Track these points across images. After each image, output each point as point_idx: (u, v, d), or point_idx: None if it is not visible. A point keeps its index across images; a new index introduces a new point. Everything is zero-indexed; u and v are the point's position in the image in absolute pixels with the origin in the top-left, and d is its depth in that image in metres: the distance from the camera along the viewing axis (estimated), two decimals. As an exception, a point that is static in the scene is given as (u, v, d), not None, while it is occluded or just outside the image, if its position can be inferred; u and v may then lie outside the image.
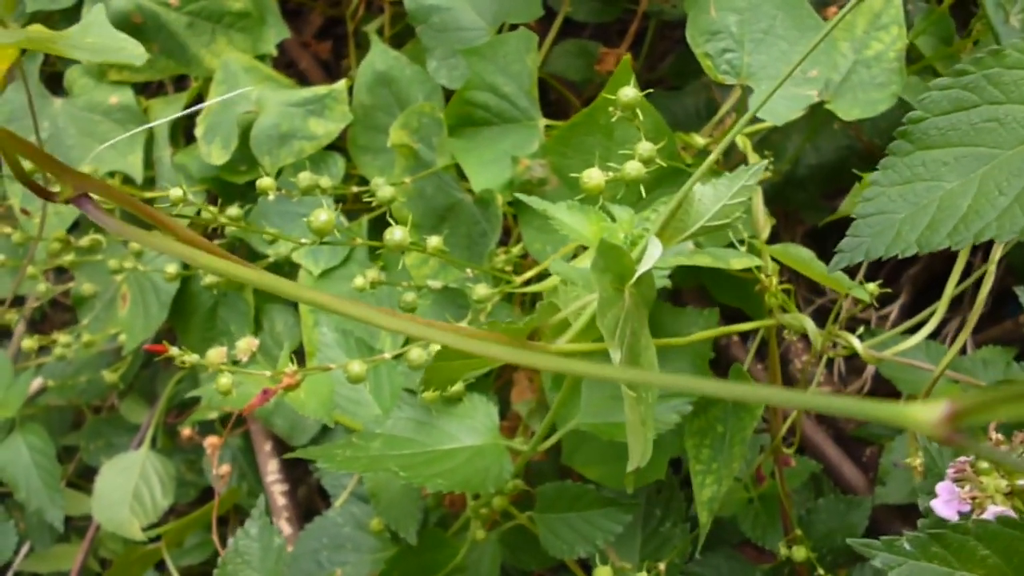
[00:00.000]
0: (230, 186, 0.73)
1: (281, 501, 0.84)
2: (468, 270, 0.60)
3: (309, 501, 0.93)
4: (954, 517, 0.43)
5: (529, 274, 0.59)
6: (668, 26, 0.91)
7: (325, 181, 0.55)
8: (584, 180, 0.42)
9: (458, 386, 0.53)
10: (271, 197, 0.52)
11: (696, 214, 0.42)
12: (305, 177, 0.54)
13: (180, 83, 0.83)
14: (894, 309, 0.78)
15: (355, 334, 0.63)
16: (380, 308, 0.29)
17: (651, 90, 0.85)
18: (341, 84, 0.70)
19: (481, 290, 0.54)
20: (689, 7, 0.63)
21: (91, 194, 0.26)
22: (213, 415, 0.79)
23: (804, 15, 0.54)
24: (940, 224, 0.40)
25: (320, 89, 0.70)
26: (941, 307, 0.50)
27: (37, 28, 0.25)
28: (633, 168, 0.42)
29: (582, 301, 0.44)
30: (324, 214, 0.46)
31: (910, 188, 0.41)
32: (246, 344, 0.52)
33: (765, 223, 0.60)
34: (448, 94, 0.71)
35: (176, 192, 0.49)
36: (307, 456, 0.53)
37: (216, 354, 0.52)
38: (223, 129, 0.70)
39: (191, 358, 0.45)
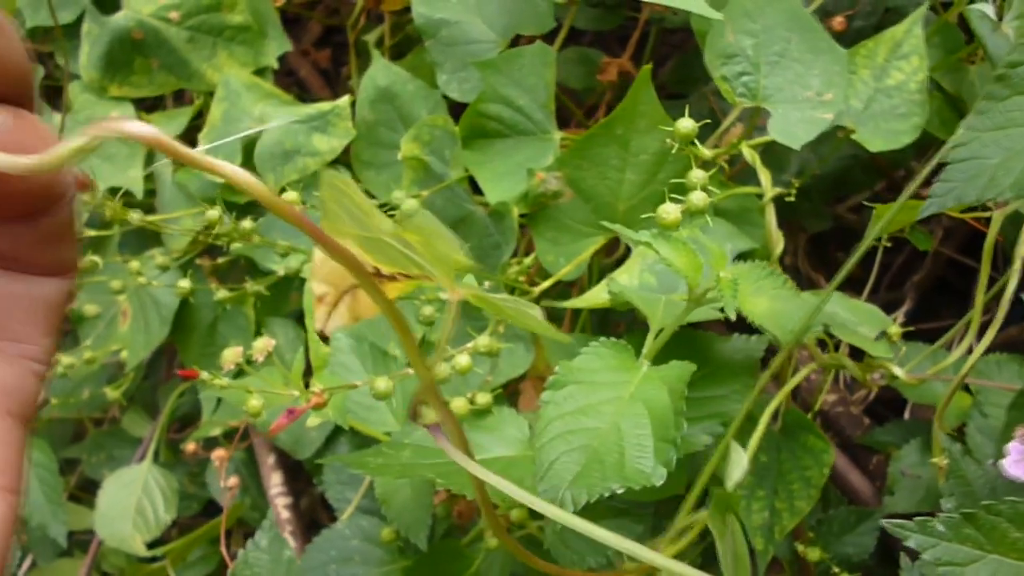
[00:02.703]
0: (231, 205, 0.72)
1: (285, 514, 0.83)
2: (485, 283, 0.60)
3: (312, 513, 0.93)
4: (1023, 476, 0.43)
5: (546, 284, 0.59)
6: (666, 32, 0.91)
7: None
8: (661, 216, 0.42)
9: (486, 399, 0.54)
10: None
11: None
12: (292, 198, 0.54)
13: (178, 97, 0.82)
14: (899, 315, 0.79)
15: (368, 339, 0.63)
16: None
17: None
18: (344, 100, 0.70)
19: (500, 308, 0.54)
20: (696, 23, 0.63)
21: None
22: (216, 431, 0.79)
23: (818, 38, 0.54)
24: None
25: (323, 106, 0.70)
26: (974, 325, 0.50)
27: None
28: (699, 199, 0.42)
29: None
30: None
31: (1005, 134, 0.40)
32: (263, 344, 0.52)
33: (778, 239, 0.61)
34: (452, 108, 0.71)
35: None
36: (343, 463, 0.53)
37: (232, 353, 0.52)
38: (226, 146, 0.69)
39: (221, 381, 0.45)
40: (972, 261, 0.86)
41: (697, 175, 0.47)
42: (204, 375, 0.45)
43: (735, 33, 0.55)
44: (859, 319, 0.51)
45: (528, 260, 0.62)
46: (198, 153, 0.20)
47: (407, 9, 0.91)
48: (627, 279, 0.56)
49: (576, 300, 0.57)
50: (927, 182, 0.74)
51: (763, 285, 0.45)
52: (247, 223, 0.57)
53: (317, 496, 0.90)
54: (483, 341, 0.52)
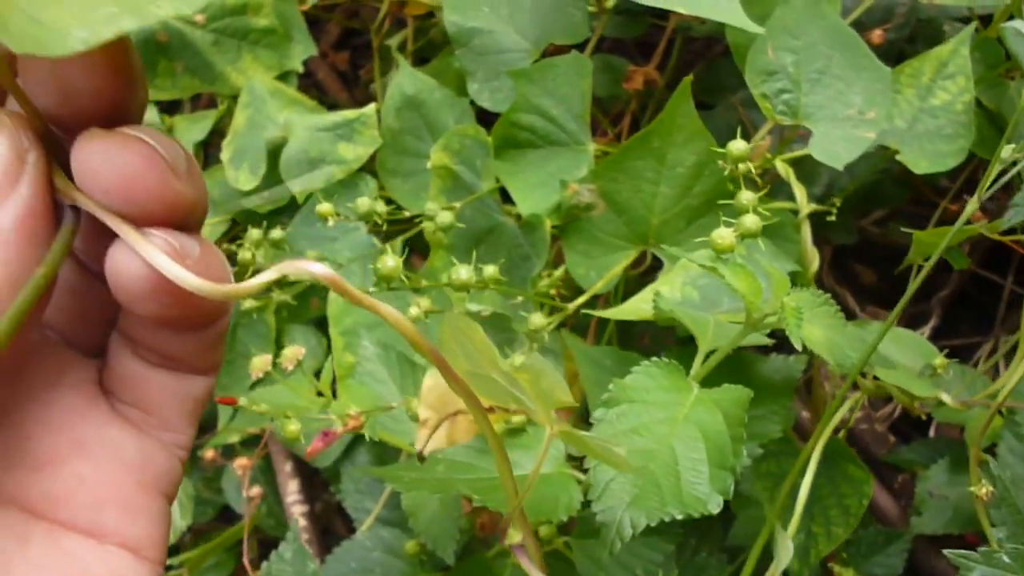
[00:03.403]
0: (252, 214, 0.72)
1: (301, 522, 0.83)
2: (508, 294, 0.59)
3: (326, 519, 0.92)
4: None
5: (580, 300, 0.58)
6: (689, 39, 0.91)
7: (381, 206, 0.54)
8: (716, 240, 0.42)
9: (521, 417, 0.53)
10: (331, 223, 0.51)
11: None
12: (364, 203, 0.53)
13: (194, 99, 0.81)
14: (925, 331, 0.78)
15: (396, 348, 0.62)
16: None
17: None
18: (370, 108, 0.69)
19: (536, 320, 0.53)
20: (731, 35, 0.63)
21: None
22: (234, 438, 0.78)
23: (860, 55, 0.53)
24: None
25: (349, 113, 0.69)
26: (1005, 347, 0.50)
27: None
28: (752, 222, 0.42)
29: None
30: (391, 260, 0.46)
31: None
32: (292, 353, 0.52)
33: (813, 256, 0.60)
34: (480, 116, 0.70)
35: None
36: (376, 475, 0.52)
37: (261, 361, 0.52)
38: (251, 154, 0.69)
39: (261, 407, 0.45)
40: (994, 275, 0.86)
41: (746, 196, 0.47)
42: (243, 401, 0.45)
43: (775, 50, 0.54)
44: (902, 349, 0.50)
45: (558, 273, 0.61)
46: (367, 296, 0.23)
47: (430, 14, 0.90)
48: (668, 291, 0.55)
49: (615, 311, 0.56)
50: (956, 197, 0.74)
51: (817, 313, 0.45)
52: (276, 232, 0.57)
53: (331, 502, 0.90)
54: (519, 360, 0.51)
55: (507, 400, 0.32)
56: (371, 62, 1.04)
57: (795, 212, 0.61)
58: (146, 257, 0.22)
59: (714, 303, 0.55)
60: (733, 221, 0.52)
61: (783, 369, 0.54)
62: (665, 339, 0.75)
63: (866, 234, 0.87)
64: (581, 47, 0.69)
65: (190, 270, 0.22)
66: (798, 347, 0.42)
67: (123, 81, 0.22)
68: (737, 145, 0.47)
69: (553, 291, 0.60)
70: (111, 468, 0.25)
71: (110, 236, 0.23)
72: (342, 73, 1.06)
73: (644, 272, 0.69)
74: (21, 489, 0.24)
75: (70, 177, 0.23)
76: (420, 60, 0.97)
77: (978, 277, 0.87)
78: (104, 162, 0.22)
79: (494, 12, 0.63)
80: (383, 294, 0.49)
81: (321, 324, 0.78)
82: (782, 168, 0.62)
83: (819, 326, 0.45)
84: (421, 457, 0.44)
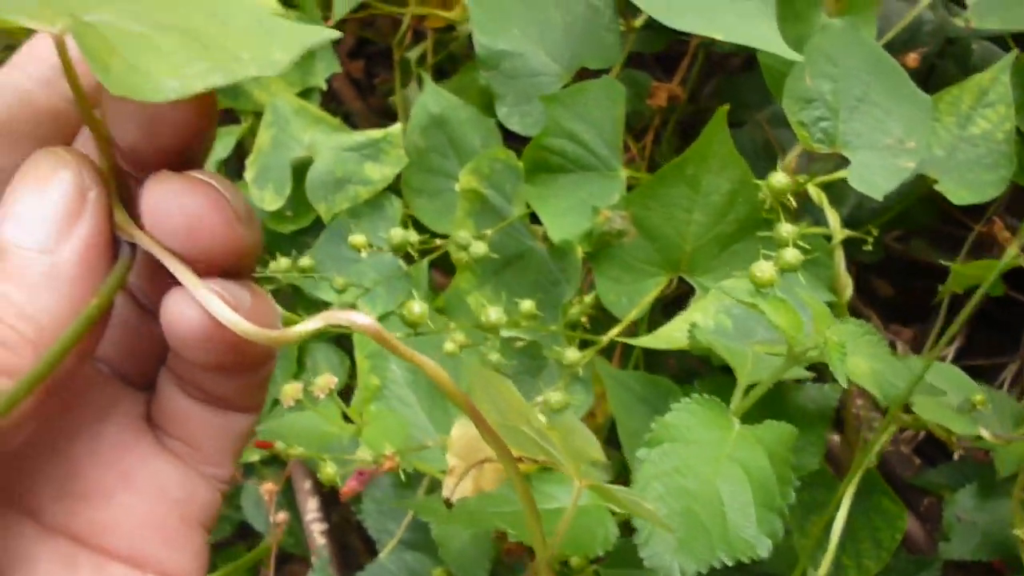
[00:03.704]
0: (276, 235, 0.71)
1: (320, 541, 0.82)
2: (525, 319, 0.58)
3: (341, 534, 0.91)
4: None
5: (615, 331, 0.58)
6: (711, 53, 0.90)
7: (413, 236, 0.53)
8: (755, 274, 0.41)
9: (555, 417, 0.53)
10: (364, 254, 0.51)
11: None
12: (397, 234, 0.53)
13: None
14: (950, 352, 0.78)
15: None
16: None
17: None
18: (396, 128, 0.68)
19: (571, 355, 0.53)
20: (763, 57, 0.62)
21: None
22: (255, 457, 0.78)
23: (899, 82, 0.53)
24: None
25: (375, 133, 0.68)
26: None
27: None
28: (792, 256, 0.41)
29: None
30: (418, 306, 0.46)
31: None
32: (324, 381, 0.52)
33: (846, 283, 0.60)
34: (506, 135, 0.69)
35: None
36: (410, 507, 0.52)
37: (292, 389, 0.52)
38: (275, 174, 0.68)
39: (296, 451, 0.44)
40: (1017, 294, 0.85)
41: (787, 229, 0.46)
42: (280, 446, 0.44)
43: (813, 77, 0.53)
44: (940, 381, 0.49)
45: (588, 299, 0.61)
46: (410, 350, 0.23)
47: (450, 27, 0.90)
48: (701, 319, 0.55)
49: (649, 339, 0.55)
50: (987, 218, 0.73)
51: (860, 344, 0.44)
52: (306, 260, 0.56)
53: (348, 516, 0.89)
54: (556, 397, 0.51)
55: (536, 452, 0.33)
56: (386, 71, 1.03)
57: (827, 237, 0.60)
58: (202, 301, 0.23)
59: (748, 332, 0.54)
60: (772, 253, 0.52)
61: (818, 398, 0.54)
62: (690, 361, 0.74)
63: (889, 250, 0.86)
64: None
65: (242, 316, 0.23)
66: (843, 383, 0.42)
67: (204, 122, 0.24)
68: (779, 178, 0.46)
69: (584, 318, 0.59)
70: (155, 500, 0.26)
71: (167, 275, 0.23)
72: (357, 82, 1.06)
73: (671, 295, 0.69)
74: (70, 518, 0.25)
75: (132, 214, 0.24)
76: (441, 73, 0.96)
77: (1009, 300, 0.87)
78: (172, 204, 0.23)
79: (524, 34, 0.63)
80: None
81: (342, 342, 0.78)
82: (814, 192, 0.61)
83: (863, 357, 0.44)
84: (448, 504, 0.44)
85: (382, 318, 0.68)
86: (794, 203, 0.66)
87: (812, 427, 0.53)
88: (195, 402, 0.27)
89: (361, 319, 0.23)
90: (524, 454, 0.34)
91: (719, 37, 0.51)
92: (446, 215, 0.70)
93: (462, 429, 0.46)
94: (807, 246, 0.45)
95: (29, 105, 0.24)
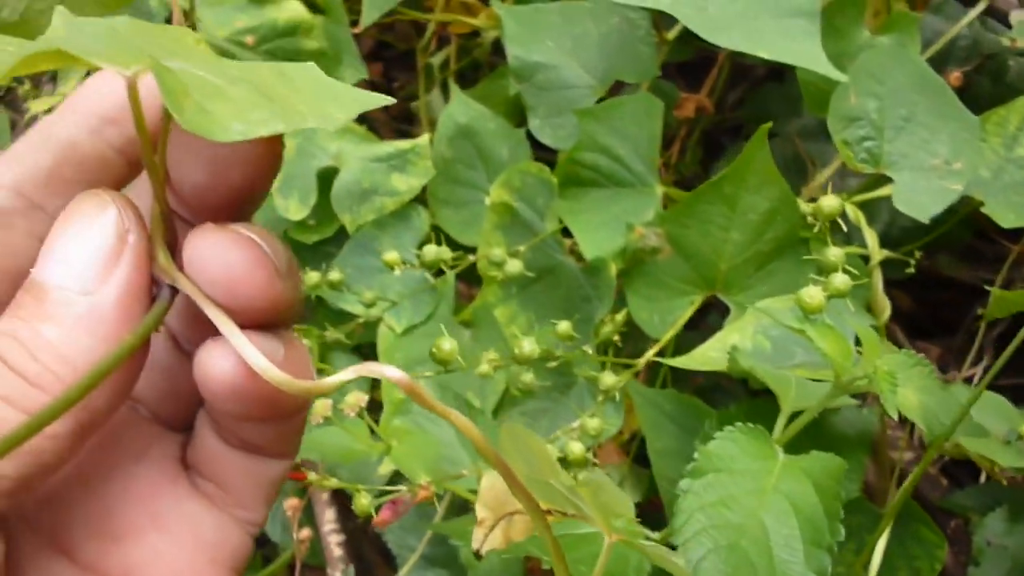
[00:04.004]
0: (298, 245, 0.70)
1: (337, 552, 0.81)
2: (556, 334, 0.57)
3: (356, 544, 0.90)
4: None
5: (650, 353, 0.57)
6: (736, 64, 0.89)
7: (446, 253, 0.52)
8: (804, 300, 0.40)
9: (585, 474, 0.51)
10: (397, 272, 0.50)
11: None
12: (431, 251, 0.52)
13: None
14: (977, 371, 0.77)
15: (452, 388, 0.60)
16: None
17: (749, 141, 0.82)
18: (424, 140, 0.67)
19: (607, 379, 0.52)
20: (801, 72, 0.61)
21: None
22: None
23: (946, 101, 0.52)
24: None
25: (402, 144, 0.67)
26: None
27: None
28: (841, 281, 0.40)
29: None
30: (447, 343, 0.45)
31: None
32: (354, 399, 0.52)
33: (884, 304, 0.59)
34: (535, 147, 0.68)
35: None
36: (441, 530, 0.51)
37: (322, 406, 0.51)
38: (301, 183, 0.67)
39: (330, 483, 0.43)
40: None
41: (834, 253, 0.45)
42: (313, 476, 0.44)
43: (858, 95, 0.52)
44: (985, 411, 0.48)
45: (620, 317, 0.60)
46: (442, 406, 0.23)
47: (475, 33, 0.89)
48: (739, 340, 0.54)
49: (685, 359, 0.54)
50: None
51: (910, 375, 0.43)
52: (335, 274, 0.55)
53: (365, 529, 0.88)
54: (593, 423, 0.50)
55: (565, 505, 0.33)
56: (406, 75, 1.02)
57: (864, 258, 0.59)
58: (237, 347, 0.23)
59: (788, 354, 0.53)
60: (816, 277, 0.51)
61: (857, 422, 0.53)
62: (717, 375, 0.73)
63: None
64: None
65: (276, 368, 0.23)
66: (894, 416, 0.40)
67: (266, 165, 0.25)
68: (829, 202, 0.45)
69: (616, 337, 0.58)
70: (187, 543, 0.26)
71: (206, 321, 0.23)
72: (376, 85, 1.04)
73: (700, 311, 0.68)
74: (101, 558, 0.25)
75: (177, 258, 0.24)
76: (463, 79, 0.95)
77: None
78: (214, 257, 0.23)
79: (558, 46, 0.61)
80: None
81: (363, 351, 0.77)
82: (851, 211, 0.60)
83: (913, 389, 0.43)
84: (478, 555, 0.43)
85: (407, 331, 0.67)
86: (832, 225, 0.65)
87: (852, 453, 0.52)
88: (230, 447, 0.27)
89: (394, 373, 0.23)
90: (553, 507, 0.34)
91: (763, 55, 0.50)
92: (473, 226, 0.69)
93: (491, 480, 0.45)
94: (855, 271, 0.44)
95: (76, 152, 0.25)
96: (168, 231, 0.24)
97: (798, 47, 0.51)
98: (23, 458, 0.21)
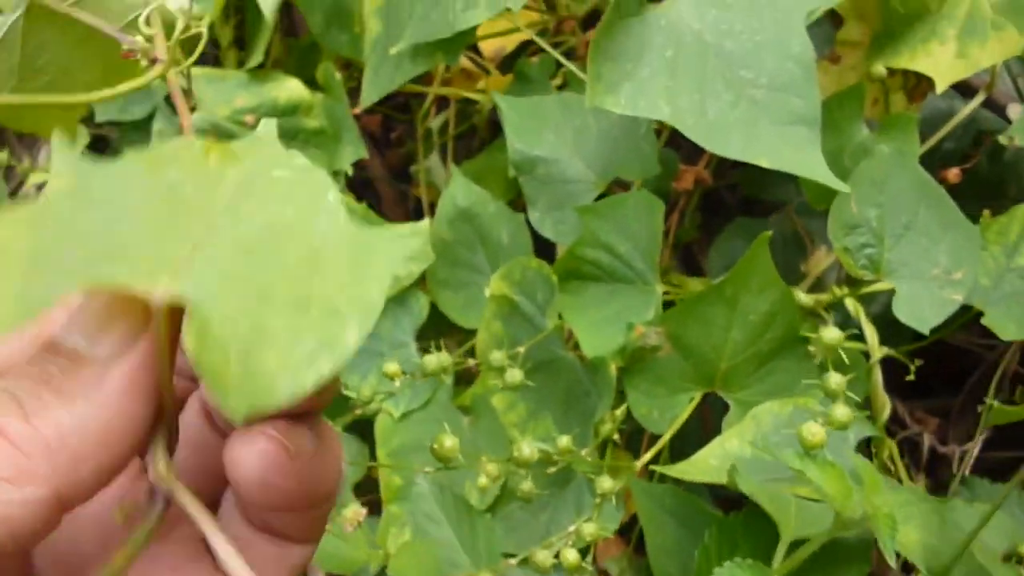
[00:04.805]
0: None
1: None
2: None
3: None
4: None
5: (648, 456, 0.56)
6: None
7: (446, 359, 0.52)
8: (805, 437, 0.40)
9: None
10: (397, 383, 0.50)
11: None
12: (432, 361, 0.52)
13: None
14: (975, 447, 0.76)
15: (451, 489, 0.60)
16: None
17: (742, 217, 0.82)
18: (424, 224, 0.67)
19: (606, 484, 0.52)
20: (804, 185, 0.61)
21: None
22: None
23: (946, 210, 0.52)
24: None
25: (402, 228, 0.67)
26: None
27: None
28: (843, 414, 0.40)
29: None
30: (449, 440, 0.45)
31: None
32: (352, 514, 0.52)
33: (884, 404, 0.58)
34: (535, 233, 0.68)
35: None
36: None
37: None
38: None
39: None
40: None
41: (836, 380, 0.45)
42: None
43: (859, 203, 0.52)
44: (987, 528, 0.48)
45: (620, 412, 0.59)
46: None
47: (473, 100, 0.89)
48: (737, 446, 0.54)
49: (683, 466, 0.54)
50: None
51: (912, 512, 0.43)
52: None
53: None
54: (589, 529, 0.50)
55: None
56: (403, 125, 1.02)
57: (866, 354, 0.59)
58: (221, 558, 0.22)
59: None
60: (813, 381, 0.51)
61: (855, 538, 0.52)
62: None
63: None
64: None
65: (304, 465, 0.24)
66: (891, 561, 0.40)
67: (316, 402, 0.25)
68: (830, 333, 0.45)
69: (615, 434, 0.58)
70: None
71: None
72: (373, 136, 1.04)
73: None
74: None
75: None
76: (463, 145, 0.95)
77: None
78: (253, 464, 0.24)
79: (559, 139, 0.61)
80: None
81: (359, 429, 0.76)
82: (851, 305, 0.60)
83: (914, 527, 0.43)
84: None
85: (404, 416, 0.67)
86: (828, 308, 0.65)
87: (850, 561, 0.51)
88: (255, 530, 0.27)
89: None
90: None
91: (764, 164, 0.50)
92: (472, 308, 0.69)
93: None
94: (857, 398, 0.44)
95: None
96: (172, 437, 0.24)
97: (799, 156, 0.51)
98: None
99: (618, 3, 0.49)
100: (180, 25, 0.37)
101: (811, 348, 0.58)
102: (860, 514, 0.43)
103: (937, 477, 0.85)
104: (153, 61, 0.31)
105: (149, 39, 0.31)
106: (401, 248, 0.21)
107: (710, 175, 0.82)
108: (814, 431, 0.42)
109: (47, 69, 0.41)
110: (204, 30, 0.35)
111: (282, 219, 0.21)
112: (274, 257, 0.20)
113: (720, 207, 0.98)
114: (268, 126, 0.24)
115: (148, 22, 0.36)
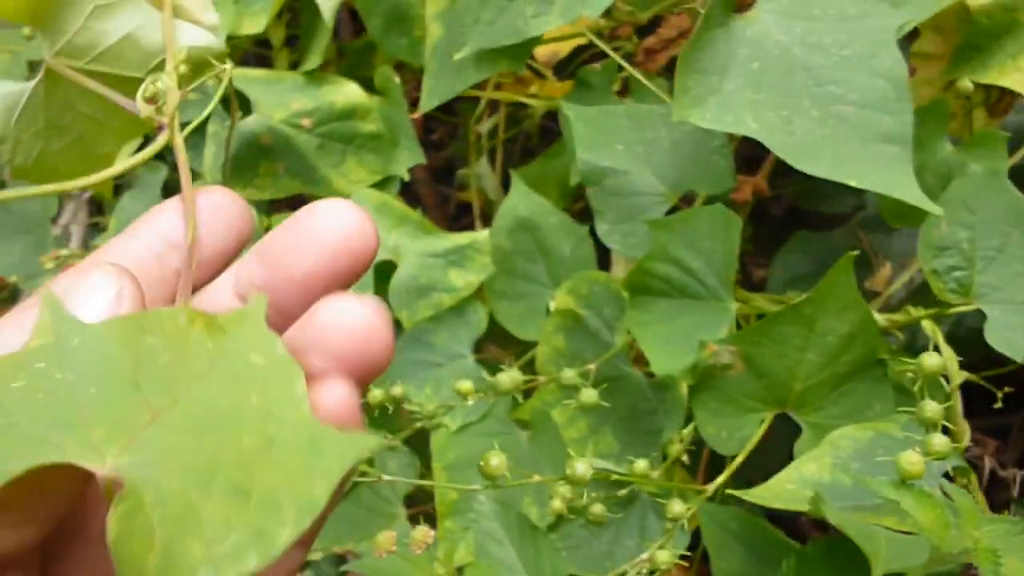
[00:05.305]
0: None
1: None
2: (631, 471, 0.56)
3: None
4: None
5: (722, 478, 0.55)
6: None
7: (518, 375, 0.51)
8: (905, 467, 0.39)
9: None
10: (470, 402, 0.49)
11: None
12: (506, 379, 0.50)
13: (294, 200, 0.78)
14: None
15: (515, 508, 0.59)
16: None
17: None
18: (483, 235, 0.66)
19: (677, 508, 0.50)
20: (881, 202, 0.59)
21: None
22: (317, 555, 0.75)
23: (1041, 233, 0.50)
24: None
25: (461, 238, 0.66)
26: None
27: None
28: (940, 444, 0.38)
29: None
30: (495, 459, 0.44)
31: None
32: (421, 535, 0.50)
33: (964, 429, 0.57)
34: (599, 243, 0.66)
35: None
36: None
37: (386, 539, 0.50)
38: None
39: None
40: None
41: (932, 408, 0.43)
42: None
43: (949, 224, 0.50)
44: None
45: (687, 432, 0.58)
46: None
47: (523, 104, 0.87)
48: (815, 473, 0.52)
49: (760, 491, 0.52)
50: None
51: (1014, 544, 0.41)
52: (398, 389, 0.54)
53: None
54: (664, 557, 0.48)
55: None
56: (444, 126, 1.01)
57: (945, 377, 0.57)
58: None
59: (870, 492, 0.51)
60: (906, 408, 0.49)
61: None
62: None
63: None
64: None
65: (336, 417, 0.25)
66: (995, 594, 0.39)
67: None
68: (931, 359, 0.43)
69: (683, 455, 0.57)
70: None
71: None
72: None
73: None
74: None
75: None
76: (513, 149, 0.94)
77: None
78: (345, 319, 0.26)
79: (629, 151, 0.60)
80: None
81: (414, 442, 0.75)
82: (928, 327, 0.58)
83: (1019, 560, 0.41)
84: None
85: (461, 429, 0.65)
86: (899, 335, 0.63)
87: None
88: None
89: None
90: None
91: (853, 184, 0.48)
92: (530, 320, 0.67)
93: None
94: (952, 427, 0.42)
95: (142, 272, 0.26)
96: None
97: (890, 176, 0.49)
98: None
99: (708, 15, 0.47)
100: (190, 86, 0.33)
101: (888, 371, 0.56)
102: (958, 548, 0.41)
103: (991, 497, 0.83)
104: (159, 128, 0.29)
105: (156, 99, 0.29)
106: (357, 447, 0.20)
107: (767, 187, 0.81)
108: (912, 460, 0.40)
109: (73, 126, 0.39)
110: (228, 66, 0.33)
111: (246, 404, 0.21)
112: (228, 441, 0.20)
113: (764, 217, 0.96)
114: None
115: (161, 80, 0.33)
